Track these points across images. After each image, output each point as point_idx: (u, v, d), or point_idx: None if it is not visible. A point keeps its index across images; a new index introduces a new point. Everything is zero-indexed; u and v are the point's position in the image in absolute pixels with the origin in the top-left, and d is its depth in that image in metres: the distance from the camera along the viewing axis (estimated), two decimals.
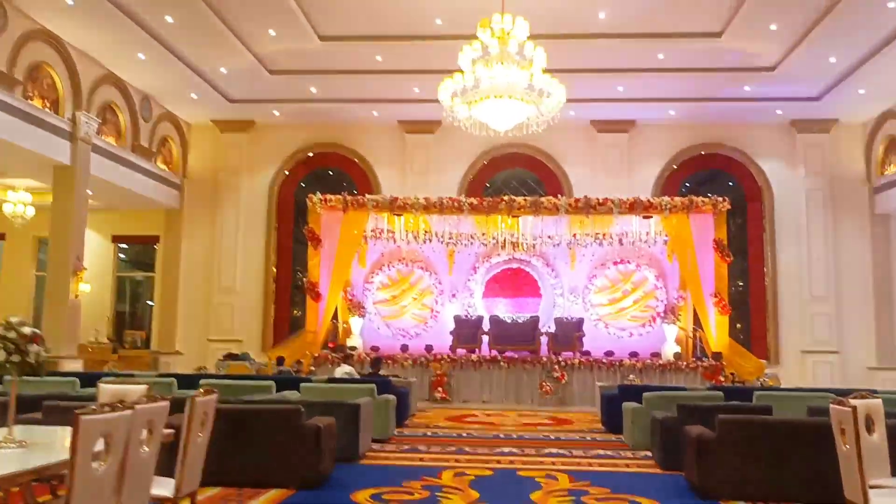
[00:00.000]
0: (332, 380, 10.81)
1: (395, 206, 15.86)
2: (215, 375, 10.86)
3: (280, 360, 13.40)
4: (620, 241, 17.44)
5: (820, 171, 18.03)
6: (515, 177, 19.11)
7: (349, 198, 16.01)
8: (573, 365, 15.34)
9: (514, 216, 15.90)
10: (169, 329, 18.79)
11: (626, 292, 17.87)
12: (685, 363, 15.27)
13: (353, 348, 16.98)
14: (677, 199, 15.66)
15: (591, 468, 8.13)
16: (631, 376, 14.10)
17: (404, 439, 9.98)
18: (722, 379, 14.83)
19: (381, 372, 12.51)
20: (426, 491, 6.69)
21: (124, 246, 20.13)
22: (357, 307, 17.69)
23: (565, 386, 15.06)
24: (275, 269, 19.10)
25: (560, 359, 15.45)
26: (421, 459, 8.48)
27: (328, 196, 16.13)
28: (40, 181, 15.80)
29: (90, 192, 16.85)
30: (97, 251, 19.28)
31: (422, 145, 18.85)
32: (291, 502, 6.34)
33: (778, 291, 18.06)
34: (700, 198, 15.80)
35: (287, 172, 19.30)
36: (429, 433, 10.67)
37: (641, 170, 18.53)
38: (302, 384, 9.70)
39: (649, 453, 8.89)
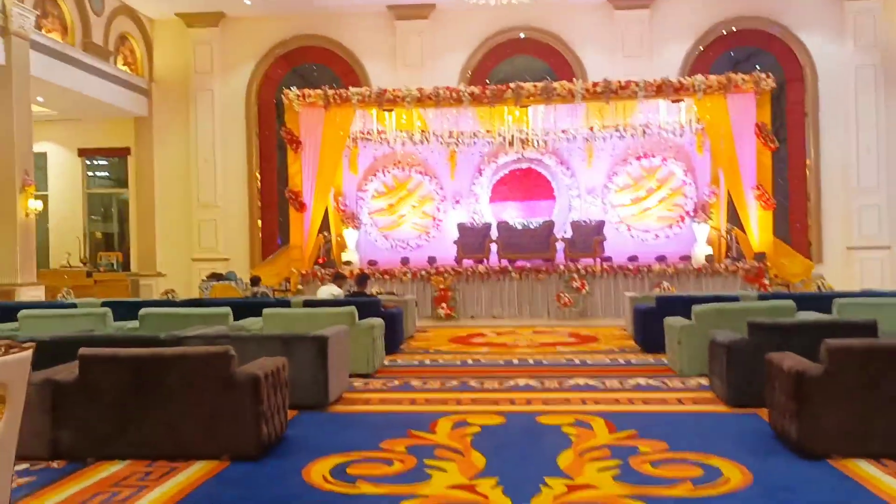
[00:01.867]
0: (309, 303, 8.73)
1: (384, 100, 13.42)
2: (169, 303, 8.84)
3: (255, 280, 11.32)
4: (644, 132, 15.04)
5: (871, 45, 15.36)
6: (522, 67, 16.50)
7: (331, 92, 13.56)
8: (594, 272, 13.22)
9: (522, 106, 13.45)
10: (148, 249, 16.74)
11: (650, 190, 15.59)
12: (723, 266, 13.09)
13: (348, 263, 14.92)
14: (712, 77, 13.10)
15: (633, 408, 6.07)
16: (664, 283, 11.99)
17: (395, 371, 7.96)
18: (767, 283, 12.69)
19: (374, 290, 10.41)
20: (411, 457, 4.65)
21: (98, 163, 17.89)
22: (351, 218, 15.54)
23: (585, 297, 12.97)
24: (259, 179, 16.87)
25: (579, 266, 13.32)
26: (411, 402, 6.45)
27: (307, 91, 13.70)
28: None
29: (40, 100, 14.57)
30: (64, 167, 17.14)
31: (414, 32, 16.26)
32: (217, 482, 4.32)
33: (820, 183, 15.69)
34: (740, 75, 13.23)
35: (265, 71, 16.81)
36: (427, 361, 8.63)
37: (665, 52, 15.90)
38: (265, 310, 7.62)
39: (703, 381, 6.84)
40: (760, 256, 13.08)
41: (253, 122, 16.83)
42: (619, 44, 15.97)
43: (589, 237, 14.51)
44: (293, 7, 16.09)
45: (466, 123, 14.83)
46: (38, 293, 12.84)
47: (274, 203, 16.90)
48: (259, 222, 16.85)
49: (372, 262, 15.11)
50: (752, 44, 15.97)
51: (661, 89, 13.00)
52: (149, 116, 16.80)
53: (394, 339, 8.83)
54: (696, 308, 7.32)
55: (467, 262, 14.33)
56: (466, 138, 15.36)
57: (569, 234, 14.81)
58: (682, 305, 8.56)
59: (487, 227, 15.05)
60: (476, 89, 13.30)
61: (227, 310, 7.63)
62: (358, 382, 7.26)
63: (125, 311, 8.65)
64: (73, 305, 8.88)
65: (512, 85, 13.14)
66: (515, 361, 8.48)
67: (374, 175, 15.83)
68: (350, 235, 15.55)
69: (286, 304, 9.75)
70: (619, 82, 13.08)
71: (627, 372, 7.68)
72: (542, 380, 7.26)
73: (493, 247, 14.48)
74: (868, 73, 15.37)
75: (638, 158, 15.50)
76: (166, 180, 16.77)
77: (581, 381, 7.15)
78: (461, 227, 14.93)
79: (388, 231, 15.96)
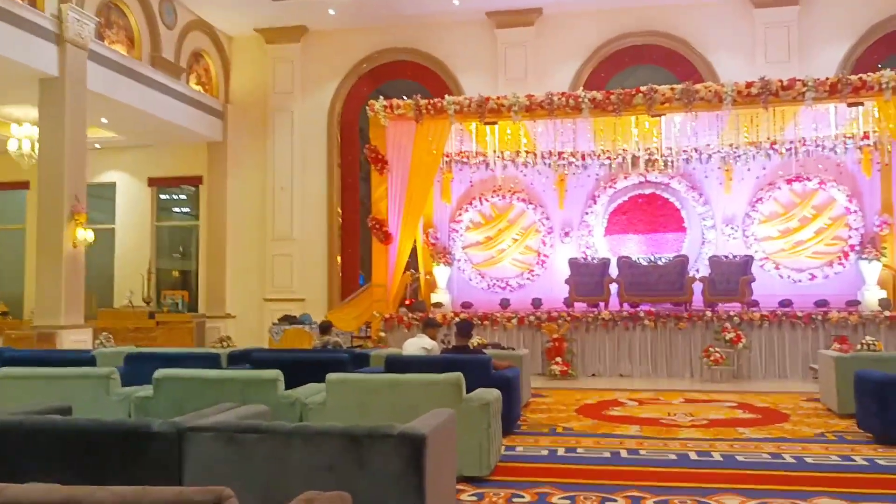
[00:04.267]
0: (394, 362, 6.11)
1: (486, 110, 10.85)
2: (205, 358, 6.39)
3: (325, 327, 8.81)
4: (797, 150, 11.95)
5: None
6: (643, 79, 13.60)
7: (423, 101, 11.11)
8: (751, 321, 10.15)
9: (654, 116, 10.65)
10: (217, 288, 14.61)
11: (804, 220, 12.44)
12: None
13: (438, 305, 12.32)
14: None
15: None
16: (867, 338, 8.86)
17: (519, 471, 5.20)
18: None
19: (475, 342, 7.72)
20: None
21: (170, 194, 16.06)
22: (442, 253, 13.00)
23: (741, 352, 9.90)
24: (339, 211, 14.60)
25: (731, 313, 10.28)
26: None
27: (395, 101, 11.29)
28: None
29: (104, 121, 12.76)
30: (133, 197, 15.30)
31: (518, 42, 13.81)
32: None
33: None
34: None
35: (349, 89, 14.65)
36: (561, 451, 5.82)
37: (816, 56, 12.88)
38: (330, 376, 5.04)
39: None
40: None
41: (335, 145, 14.64)
42: (759, 47, 13.06)
43: (733, 276, 11.46)
44: (381, 18, 13.91)
45: (581, 141, 12.13)
46: (83, 337, 10.77)
47: (356, 237, 14.58)
48: (339, 258, 14.52)
49: (466, 305, 12.47)
50: None
51: (836, 89, 9.94)
52: (223, 141, 14.83)
53: (509, 413, 6.09)
54: None
55: (580, 306, 11.52)
56: (579, 160, 12.65)
57: (707, 273, 11.81)
58: None
59: (605, 263, 12.20)
60: (598, 94, 10.57)
61: (276, 374, 5.09)
62: (466, 495, 4.55)
63: (157, 364, 6.27)
64: (89, 360, 6.54)
65: (643, 88, 10.36)
66: (693, 456, 5.59)
67: (470, 203, 13.28)
68: (441, 273, 13.00)
69: (364, 360, 7.18)
70: (781, 82, 10.12)
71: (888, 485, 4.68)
72: (753, 497, 4.37)
73: (614, 287, 11.62)
74: None
75: (789, 182, 12.41)
76: (239, 211, 14.70)
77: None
78: (573, 263, 12.14)
79: (484, 268, 13.33)
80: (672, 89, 10.39)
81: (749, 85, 10.22)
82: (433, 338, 7.02)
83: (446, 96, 11.37)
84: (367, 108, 11.80)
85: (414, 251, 12.51)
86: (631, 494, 4.50)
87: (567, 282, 11.82)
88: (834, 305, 11.26)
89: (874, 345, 8.55)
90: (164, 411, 5.07)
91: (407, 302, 12.06)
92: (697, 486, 4.70)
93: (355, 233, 14.63)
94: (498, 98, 10.88)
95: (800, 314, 10.07)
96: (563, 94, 10.80)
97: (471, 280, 13.27)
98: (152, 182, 15.27)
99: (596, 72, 13.76)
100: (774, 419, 7.04)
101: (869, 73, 10.02)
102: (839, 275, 12.18)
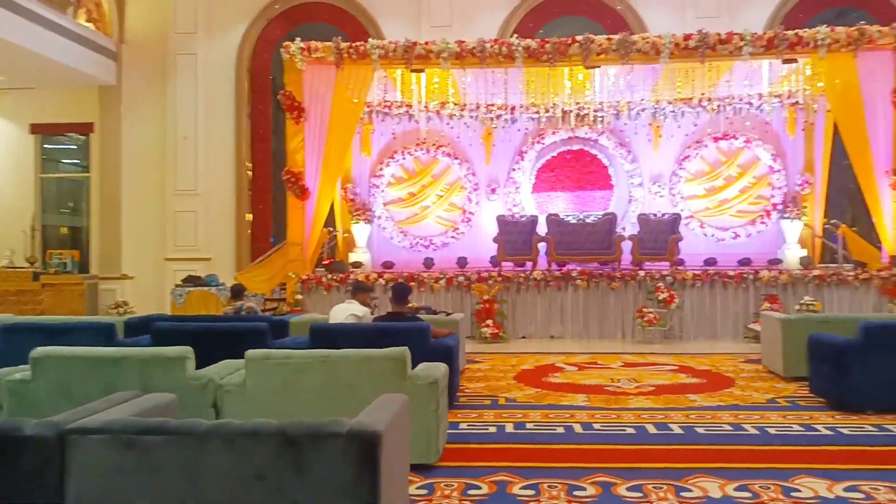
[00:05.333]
0: (319, 332, 5.37)
1: (414, 56, 10.02)
2: (100, 328, 5.44)
3: (237, 291, 7.91)
4: (725, 108, 11.76)
5: None
6: (571, 31, 13.10)
7: (344, 45, 10.14)
8: (683, 281, 9.91)
9: (589, 67, 10.12)
10: (112, 246, 13.25)
11: (729, 179, 12.36)
12: (855, 273, 9.78)
13: (358, 265, 11.57)
14: (840, 29, 9.78)
15: None
16: (806, 298, 8.72)
17: (470, 454, 4.63)
18: None
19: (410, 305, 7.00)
20: None
21: (58, 142, 14.44)
22: (362, 210, 12.21)
23: (674, 312, 9.66)
24: (249, 165, 13.49)
25: (664, 273, 10.02)
26: None
27: (313, 44, 10.28)
28: None
29: None
30: (13, 146, 13.65)
31: None
32: None
33: None
34: (876, 26, 9.91)
35: (259, 32, 13.44)
36: (509, 428, 5.27)
37: (747, 9, 12.59)
38: (248, 353, 4.27)
39: None
40: None
41: (244, 93, 13.40)
42: (689, 1, 12.69)
43: (662, 235, 11.23)
44: None
45: (512, 94, 11.49)
46: None
47: (268, 192, 13.52)
48: (248, 215, 13.45)
49: (387, 265, 11.79)
50: (854, 4, 12.69)
51: (773, 44, 9.66)
52: (117, 85, 13.31)
53: (450, 386, 5.48)
54: None
55: (507, 266, 11.04)
56: (508, 113, 12.05)
57: (636, 231, 11.54)
58: None
59: (533, 221, 11.73)
60: (533, 43, 9.91)
61: (185, 351, 4.28)
62: (414, 487, 3.93)
63: (39, 339, 5.30)
64: None
65: (580, 38, 9.78)
66: (652, 430, 5.16)
67: (392, 157, 12.50)
68: (360, 231, 12.22)
69: (282, 328, 6.40)
70: (720, 35, 9.75)
71: (873, 462, 4.36)
72: (731, 478, 3.96)
73: (542, 246, 11.18)
74: None
75: (716, 140, 12.24)
76: (136, 162, 13.32)
77: (814, 485, 3.85)
78: (502, 221, 11.60)
79: (407, 226, 12.64)
80: (609, 39, 9.87)
81: (687, 37, 9.81)
82: (364, 303, 6.30)
83: (370, 40, 10.44)
84: (281, 49, 10.71)
85: (330, 208, 11.65)
86: (599, 480, 4.00)
87: (495, 240, 11.27)
88: (756, 264, 11.26)
89: (813, 305, 8.47)
90: (45, 398, 4.20)
91: (325, 262, 11.24)
92: (668, 467, 4.25)
93: (266, 189, 13.56)
94: (426, 43, 10.05)
95: (731, 273, 9.90)
96: (495, 40, 10.09)
97: (392, 238, 12.56)
98: (35, 129, 13.62)
99: (525, 21, 13.05)
100: (720, 384, 6.74)
101: (805, 29, 9.79)
102: (761, 233, 12.19)
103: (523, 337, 10.02)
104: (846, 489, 3.82)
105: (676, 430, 5.14)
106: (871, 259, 10.41)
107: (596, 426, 5.27)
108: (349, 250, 12.17)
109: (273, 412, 3.48)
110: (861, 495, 3.73)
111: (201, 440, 2.69)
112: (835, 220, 11.43)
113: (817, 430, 5.07)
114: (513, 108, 11.99)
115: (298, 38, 10.48)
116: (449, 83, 11.10)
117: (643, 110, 11.95)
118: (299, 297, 10.15)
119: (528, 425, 5.32)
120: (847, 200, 12.48)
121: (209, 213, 13.14)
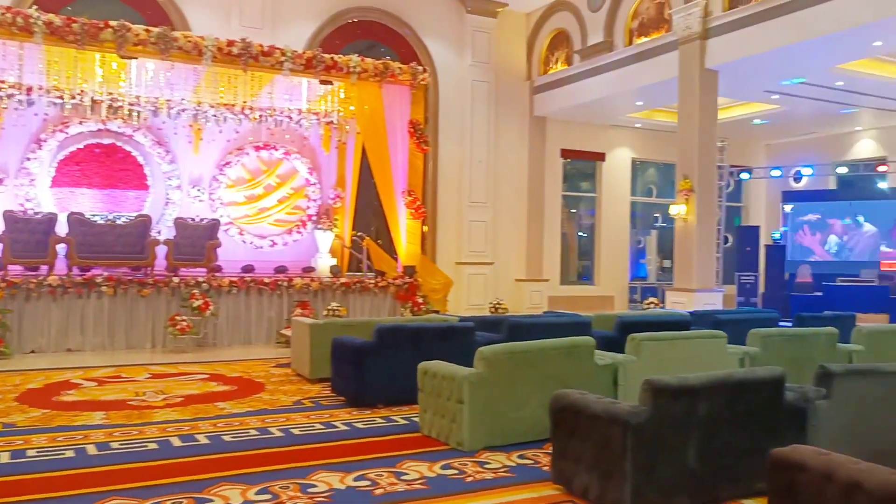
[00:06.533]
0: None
1: None
2: None
3: None
4: (266, 119, 12.05)
5: (486, 62, 14.91)
6: (105, 15, 11.88)
7: None
8: (220, 287, 9.74)
9: (125, 57, 9.30)
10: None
11: (269, 188, 12.69)
12: (375, 281, 10.80)
13: None
14: (369, 60, 10.72)
15: None
16: (334, 304, 9.16)
17: None
18: (420, 301, 10.84)
19: None
20: None
21: None
22: None
23: (208, 320, 9.42)
24: None
25: (200, 280, 9.70)
26: None
27: None
28: None
29: None
30: None
31: None
32: None
33: (438, 194, 14.61)
34: (397, 64, 11.14)
35: None
36: (6, 459, 4.42)
37: (289, 27, 13.07)
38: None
39: (507, 458, 4.38)
40: (411, 270, 11.17)
41: None
42: (235, 8, 12.67)
43: (199, 241, 10.93)
44: None
45: (28, 73, 9.93)
46: None
47: None
48: None
49: None
50: (383, 40, 14.20)
51: (311, 64, 10.18)
52: None
53: None
54: (483, 350, 4.82)
55: (15, 269, 9.52)
56: (24, 94, 10.39)
57: (171, 236, 11.02)
58: (406, 339, 6.06)
59: (52, 219, 10.30)
60: (58, 20, 8.68)
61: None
62: None
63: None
64: None
65: (114, 23, 8.92)
66: (177, 443, 4.86)
67: None
68: None
69: None
70: (262, 47, 9.90)
71: (378, 452, 4.77)
72: (252, 482, 3.95)
73: (62, 248, 9.91)
74: (482, 89, 14.82)
75: (257, 149, 12.44)
76: None
77: (329, 479, 4.06)
78: (9, 217, 9.93)
79: None
80: (147, 31, 9.24)
81: (231, 44, 9.75)
82: None
83: None
84: None
85: None
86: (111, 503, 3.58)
87: (1, 239, 9.60)
88: (292, 271, 11.73)
89: (339, 310, 9.11)
90: None
91: None
92: (190, 480, 4.02)
93: None
94: None
95: (267, 280, 10.11)
96: (9, 9, 8.61)
97: None
98: None
99: None
100: (251, 390, 6.75)
101: (341, 55, 10.57)
102: (297, 242, 12.76)
103: (32, 352, 8.68)
104: (356, 479, 4.08)
105: (203, 440, 4.93)
106: (389, 268, 11.72)
107: (114, 445, 4.76)
108: None
109: None
110: (368, 482, 4.03)
111: None
112: (361, 233, 12.59)
113: (336, 427, 5.38)
114: (30, 89, 10.39)
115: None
116: None
117: (184, 110, 11.48)
118: None
119: (30, 452, 4.54)
120: (372, 215, 13.84)
121: None
